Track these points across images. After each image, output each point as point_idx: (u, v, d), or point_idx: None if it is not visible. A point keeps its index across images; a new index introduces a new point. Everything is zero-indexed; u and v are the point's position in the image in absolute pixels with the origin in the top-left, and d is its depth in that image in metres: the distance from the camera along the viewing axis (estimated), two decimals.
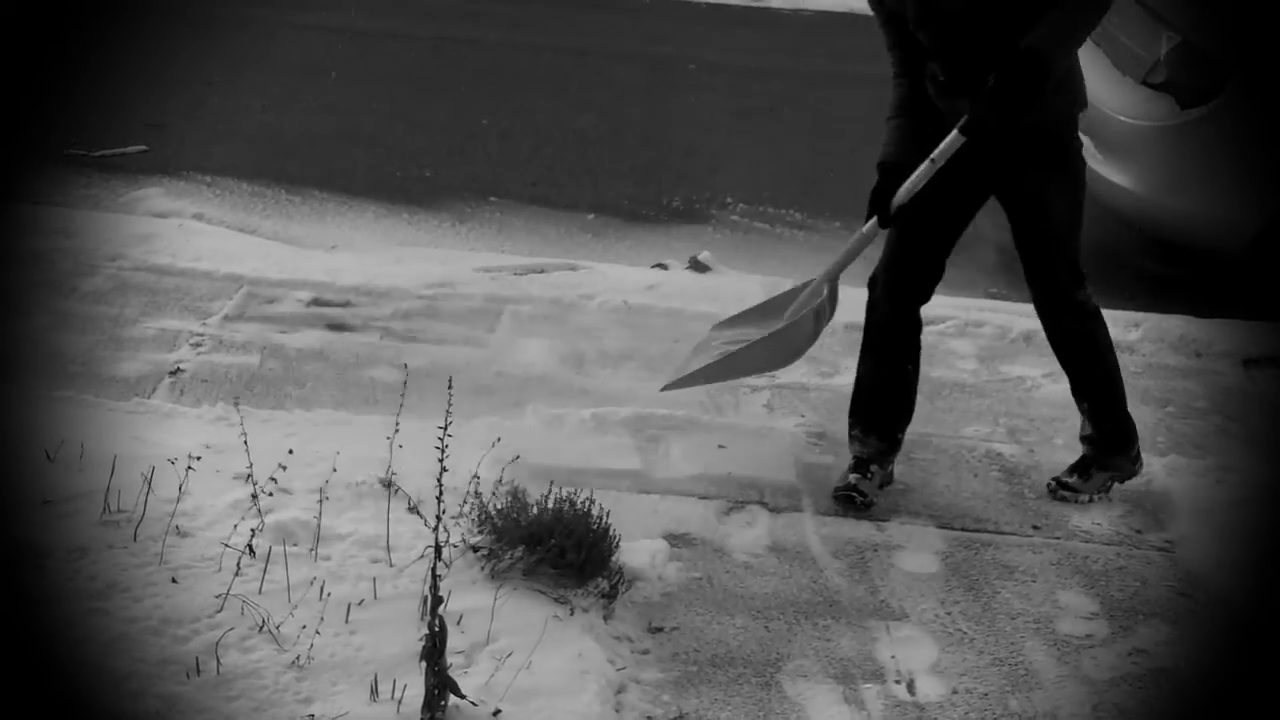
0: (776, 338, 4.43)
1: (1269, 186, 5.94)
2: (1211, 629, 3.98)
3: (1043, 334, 5.56)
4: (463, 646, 3.47)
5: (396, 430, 4.09)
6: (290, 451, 4.12)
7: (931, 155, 4.14)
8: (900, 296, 4.47)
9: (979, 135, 4.06)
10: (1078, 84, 4.26)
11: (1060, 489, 4.58)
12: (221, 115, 8.09)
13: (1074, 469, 4.62)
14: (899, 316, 4.49)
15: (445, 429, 3.44)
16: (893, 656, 3.78)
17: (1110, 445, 4.57)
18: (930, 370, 5.33)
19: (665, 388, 4.53)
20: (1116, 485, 4.58)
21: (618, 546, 3.91)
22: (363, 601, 3.60)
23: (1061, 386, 5.14)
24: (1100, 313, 4.48)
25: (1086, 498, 4.56)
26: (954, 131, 4.08)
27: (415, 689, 3.25)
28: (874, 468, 4.50)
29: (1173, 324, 5.81)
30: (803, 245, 6.94)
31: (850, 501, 4.44)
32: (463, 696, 3.23)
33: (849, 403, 4.58)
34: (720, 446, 4.70)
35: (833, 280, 4.43)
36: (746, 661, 3.72)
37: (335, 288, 5.74)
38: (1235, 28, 6.07)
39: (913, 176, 4.18)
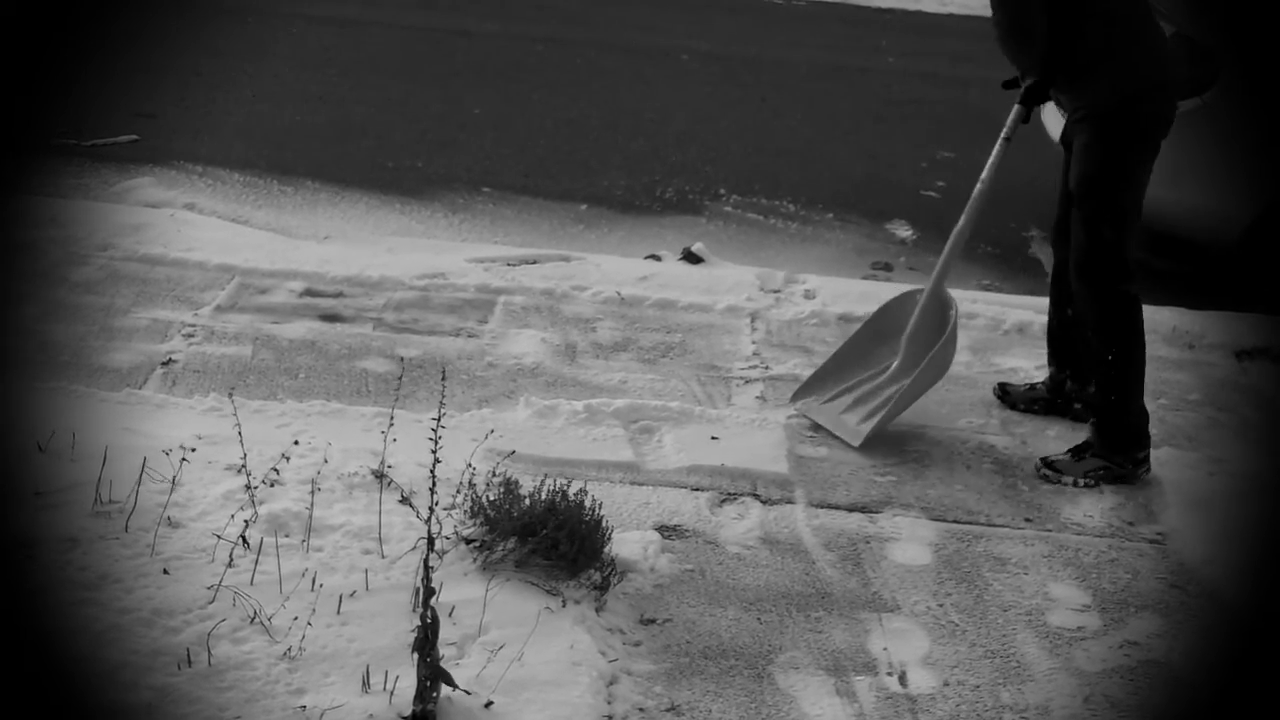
0: (930, 366, 4.80)
1: (1261, 178, 5.94)
2: (1203, 621, 3.99)
3: (1036, 325, 5.62)
4: (455, 638, 3.47)
5: (391, 423, 4.08)
6: (296, 443, 4.11)
7: (1004, 134, 4.71)
8: (1058, 248, 4.89)
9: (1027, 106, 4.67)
10: (1118, 68, 4.45)
11: (1044, 467, 4.61)
12: (213, 105, 8.08)
13: (1071, 449, 4.65)
14: (1058, 266, 4.90)
15: (439, 420, 3.44)
16: (885, 648, 3.78)
17: (1108, 439, 4.60)
18: None
19: (861, 445, 4.74)
20: (1107, 483, 4.59)
21: (610, 538, 3.91)
22: (355, 593, 3.60)
23: None
24: (1133, 305, 4.57)
25: (1070, 480, 4.57)
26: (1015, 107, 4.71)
27: (407, 680, 3.24)
28: (1039, 384, 5.10)
29: (1165, 316, 5.81)
30: (795, 236, 6.94)
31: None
32: (455, 686, 3.23)
33: None
34: (713, 438, 4.70)
35: (943, 286, 4.91)
36: (739, 653, 3.72)
37: (327, 278, 5.73)
38: (1230, 19, 6.07)
39: (991, 156, 4.75)
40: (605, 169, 7.60)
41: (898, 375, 4.86)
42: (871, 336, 4.99)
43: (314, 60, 9.01)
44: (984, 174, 4.74)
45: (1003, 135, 4.68)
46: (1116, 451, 4.60)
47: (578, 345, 5.35)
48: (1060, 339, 4.97)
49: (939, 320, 4.86)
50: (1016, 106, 4.65)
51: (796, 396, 4.96)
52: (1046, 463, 4.64)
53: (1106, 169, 4.47)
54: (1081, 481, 4.58)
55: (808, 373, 5.12)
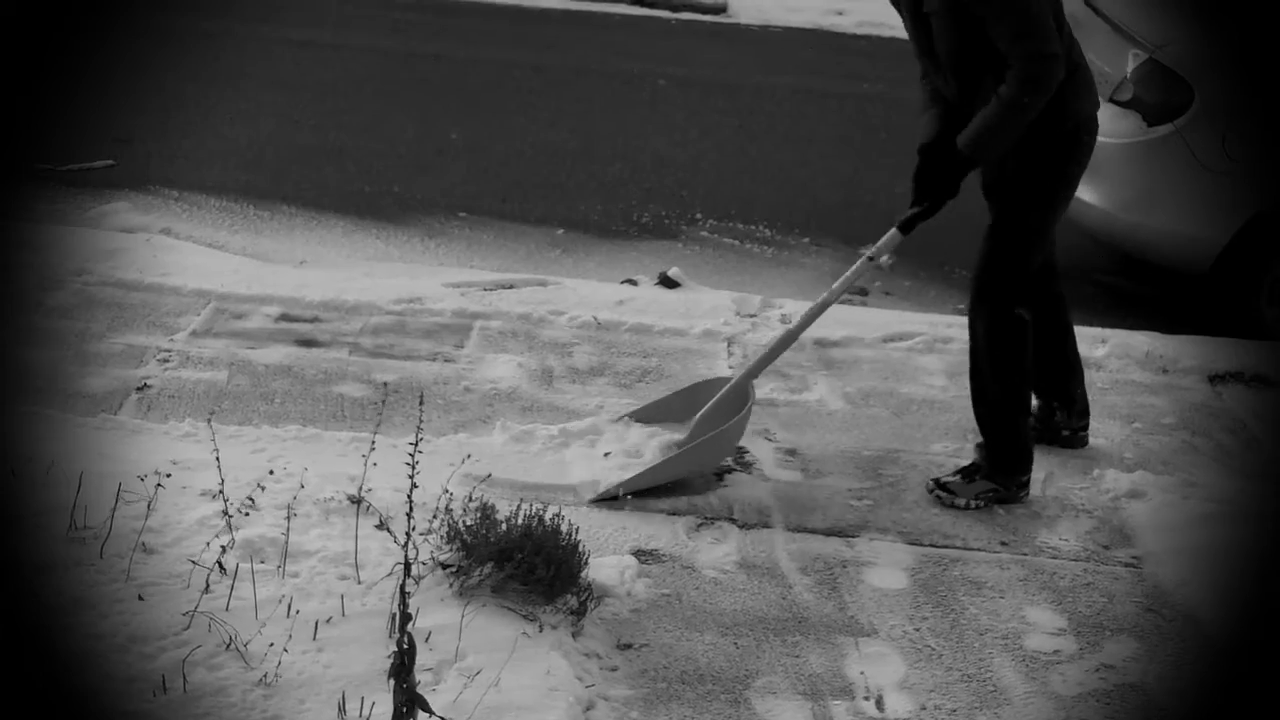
0: (704, 448, 4.56)
1: (1234, 203, 5.99)
2: (1178, 644, 4.00)
3: None
4: (431, 664, 3.46)
5: (373, 448, 4.06)
6: (271, 472, 4.09)
7: (869, 253, 4.62)
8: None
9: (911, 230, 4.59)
10: (1063, 99, 4.39)
11: (937, 488, 4.62)
12: (190, 130, 8.07)
13: (960, 470, 4.67)
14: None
15: (416, 445, 3.43)
16: (861, 673, 3.78)
17: (996, 461, 4.64)
18: (898, 386, 5.35)
19: (594, 500, 4.47)
20: (998, 505, 4.61)
21: (587, 563, 3.90)
22: (331, 619, 3.59)
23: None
24: (1025, 328, 4.57)
25: (963, 502, 4.59)
26: (892, 229, 4.58)
27: (383, 707, 3.23)
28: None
29: (1139, 340, 5.84)
30: (771, 260, 6.96)
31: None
32: (431, 713, 3.22)
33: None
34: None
35: (752, 380, 4.70)
36: (716, 678, 3.72)
37: (304, 303, 5.72)
38: (1203, 45, 6.13)
39: (849, 271, 4.63)
40: (582, 194, 7.62)
41: (680, 446, 4.65)
42: (684, 403, 4.80)
43: (291, 84, 9.01)
44: (835, 285, 4.63)
45: (867, 255, 4.61)
46: (1003, 473, 4.63)
47: (554, 370, 5.35)
48: (1039, 370, 4.91)
49: (731, 411, 4.64)
50: (894, 230, 4.56)
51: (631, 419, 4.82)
52: (939, 484, 4.65)
53: (1043, 194, 4.51)
54: (973, 503, 4.59)
55: (783, 396, 5.14)
